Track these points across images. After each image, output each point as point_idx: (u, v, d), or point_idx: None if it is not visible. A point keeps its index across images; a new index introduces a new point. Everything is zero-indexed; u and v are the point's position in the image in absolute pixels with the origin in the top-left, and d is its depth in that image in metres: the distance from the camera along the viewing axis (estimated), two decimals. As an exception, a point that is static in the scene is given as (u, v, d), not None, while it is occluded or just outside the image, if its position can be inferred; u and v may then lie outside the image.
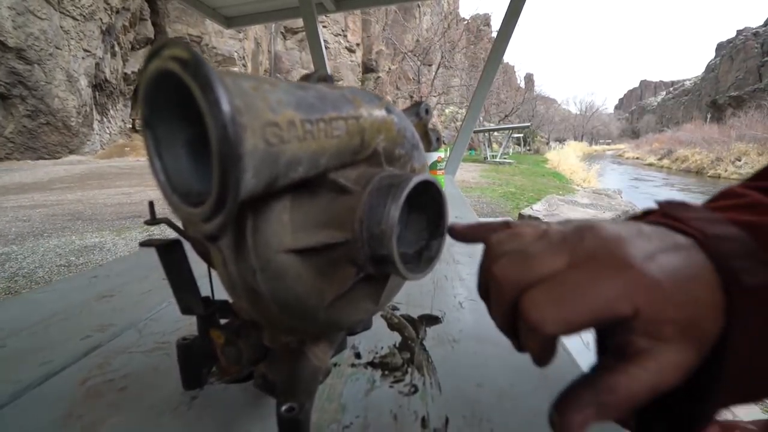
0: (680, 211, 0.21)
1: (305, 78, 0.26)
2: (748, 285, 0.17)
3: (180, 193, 0.18)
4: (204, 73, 0.14)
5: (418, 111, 0.31)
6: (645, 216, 0.24)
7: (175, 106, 0.18)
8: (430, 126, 0.32)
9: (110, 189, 5.73)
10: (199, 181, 0.19)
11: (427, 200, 0.26)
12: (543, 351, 0.20)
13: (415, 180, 0.22)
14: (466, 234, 0.26)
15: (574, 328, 0.17)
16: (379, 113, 0.24)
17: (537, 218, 3.23)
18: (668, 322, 0.17)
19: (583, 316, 0.17)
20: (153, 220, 0.33)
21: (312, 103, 0.19)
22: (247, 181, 0.15)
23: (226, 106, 0.14)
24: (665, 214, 0.22)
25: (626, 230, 0.19)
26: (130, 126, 12.45)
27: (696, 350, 0.18)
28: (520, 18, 2.08)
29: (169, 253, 0.28)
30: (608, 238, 0.19)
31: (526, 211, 3.48)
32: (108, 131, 11.55)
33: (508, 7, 2.07)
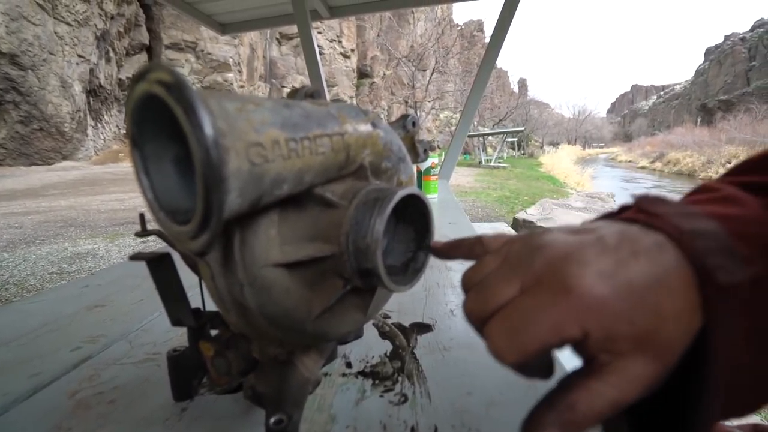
0: (655, 207, 0.20)
1: (293, 94, 0.26)
2: (724, 283, 0.17)
3: (167, 211, 0.19)
4: (187, 97, 0.15)
5: (405, 124, 0.32)
6: (621, 212, 0.23)
7: (162, 125, 0.18)
8: (417, 138, 0.33)
9: (104, 195, 5.69)
10: (186, 198, 0.19)
11: (414, 212, 0.27)
12: (522, 371, 0.21)
13: (400, 194, 0.23)
14: (446, 252, 0.26)
15: (530, 355, 0.18)
16: (365, 128, 0.25)
17: (531, 222, 3.25)
18: (621, 338, 0.17)
19: (534, 343, 0.17)
20: (144, 232, 0.34)
21: (296, 121, 0.19)
22: (231, 201, 0.16)
23: (208, 129, 0.15)
24: (640, 209, 0.21)
25: (580, 243, 0.19)
26: (125, 132, 12.40)
27: (658, 362, 0.17)
28: (512, 23, 2.11)
29: (160, 267, 0.28)
30: (555, 259, 0.18)
31: (521, 215, 3.50)
32: (102, 137, 11.50)
33: (501, 12, 2.10)
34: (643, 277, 0.17)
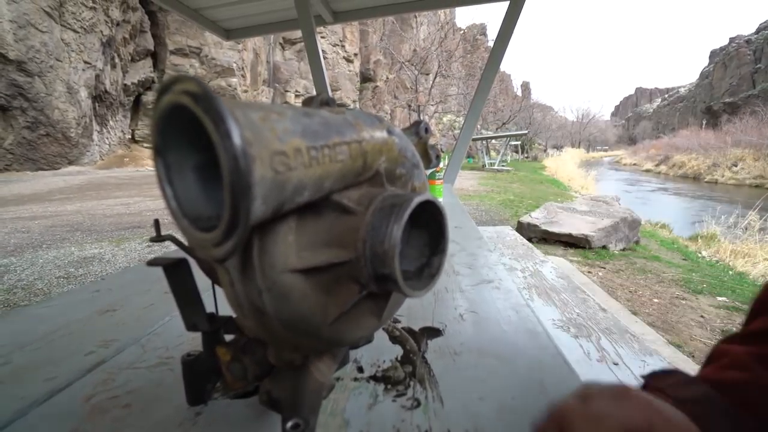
0: (659, 381, 0.27)
1: (308, 102, 0.26)
2: None
3: (190, 218, 0.19)
4: (215, 107, 0.15)
5: (418, 130, 0.32)
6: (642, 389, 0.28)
7: (184, 135, 0.18)
8: (429, 144, 0.33)
9: (109, 200, 5.74)
10: (209, 205, 0.19)
11: (428, 218, 0.27)
12: None
13: (416, 200, 0.23)
14: None
15: None
16: (381, 135, 0.25)
17: (536, 226, 3.22)
18: None
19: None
20: (158, 238, 0.34)
21: (317, 130, 0.20)
22: (256, 208, 0.16)
23: (237, 139, 0.15)
24: (647, 385, 0.27)
25: None
26: (130, 137, 12.51)
27: None
28: (516, 27, 2.12)
29: (176, 272, 0.29)
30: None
31: (525, 219, 3.48)
32: (107, 142, 11.60)
33: (505, 16, 2.11)
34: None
